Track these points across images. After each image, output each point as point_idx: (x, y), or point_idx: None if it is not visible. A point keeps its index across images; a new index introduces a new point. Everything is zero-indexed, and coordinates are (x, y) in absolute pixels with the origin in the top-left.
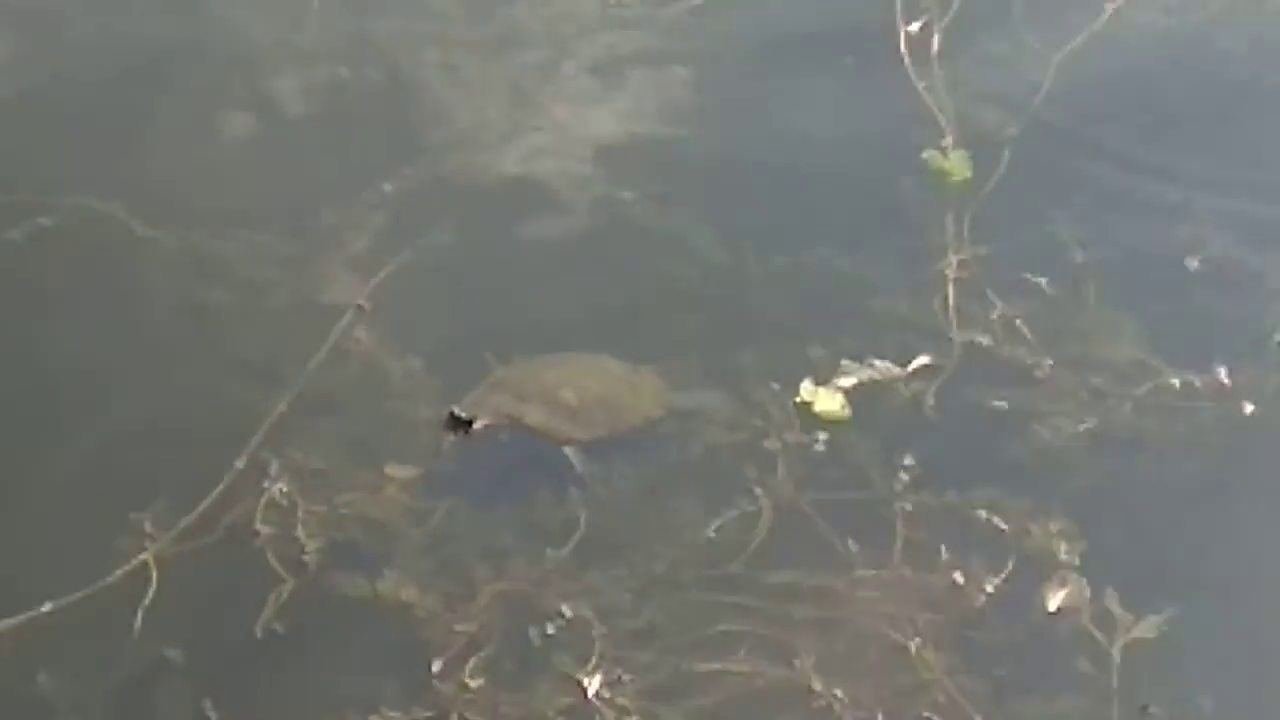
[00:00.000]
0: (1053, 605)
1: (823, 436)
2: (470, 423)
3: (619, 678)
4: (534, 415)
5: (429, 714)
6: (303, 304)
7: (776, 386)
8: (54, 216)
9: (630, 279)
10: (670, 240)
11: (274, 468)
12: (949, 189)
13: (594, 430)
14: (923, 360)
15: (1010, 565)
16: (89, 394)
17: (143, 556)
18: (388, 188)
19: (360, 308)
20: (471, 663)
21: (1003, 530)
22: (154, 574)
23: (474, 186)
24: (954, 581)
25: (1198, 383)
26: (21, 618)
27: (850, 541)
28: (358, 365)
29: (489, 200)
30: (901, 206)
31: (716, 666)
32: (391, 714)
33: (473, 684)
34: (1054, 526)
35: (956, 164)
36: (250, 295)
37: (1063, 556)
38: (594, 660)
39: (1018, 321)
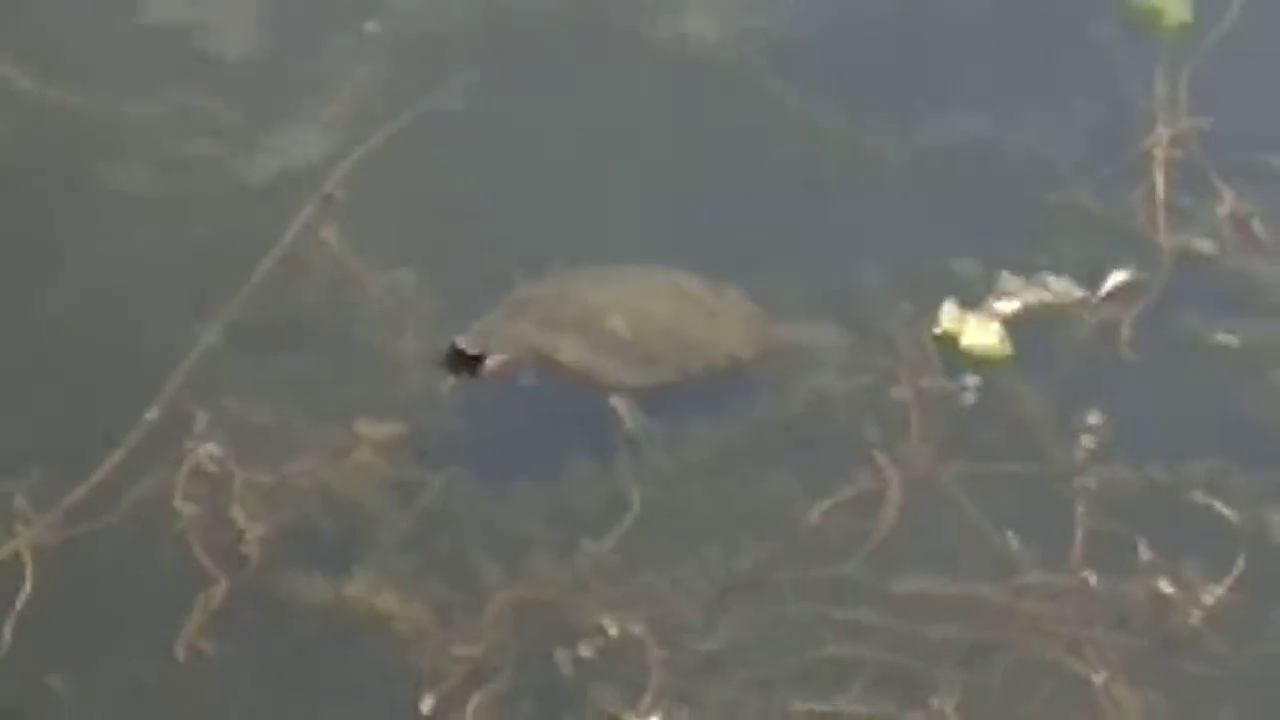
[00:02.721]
0: None
1: (973, 383)
2: (480, 360)
3: None
4: (570, 350)
5: None
6: (244, 191)
7: (909, 311)
8: None
9: (712, 160)
10: (771, 104)
11: (201, 422)
12: (1160, 35)
13: (655, 373)
14: (1118, 277)
15: (1238, 568)
16: None
17: (13, 545)
18: (371, 27)
19: (329, 197)
20: (476, 699)
21: (1228, 518)
22: (29, 569)
23: (496, 24)
24: (1157, 591)
25: None
26: None
27: (1011, 533)
28: (322, 278)
29: (516, 43)
30: (1092, 59)
31: (823, 707)
32: None
33: None
34: None
35: (1170, 0)
36: (172, 179)
37: None
38: (649, 696)
39: (1254, 222)
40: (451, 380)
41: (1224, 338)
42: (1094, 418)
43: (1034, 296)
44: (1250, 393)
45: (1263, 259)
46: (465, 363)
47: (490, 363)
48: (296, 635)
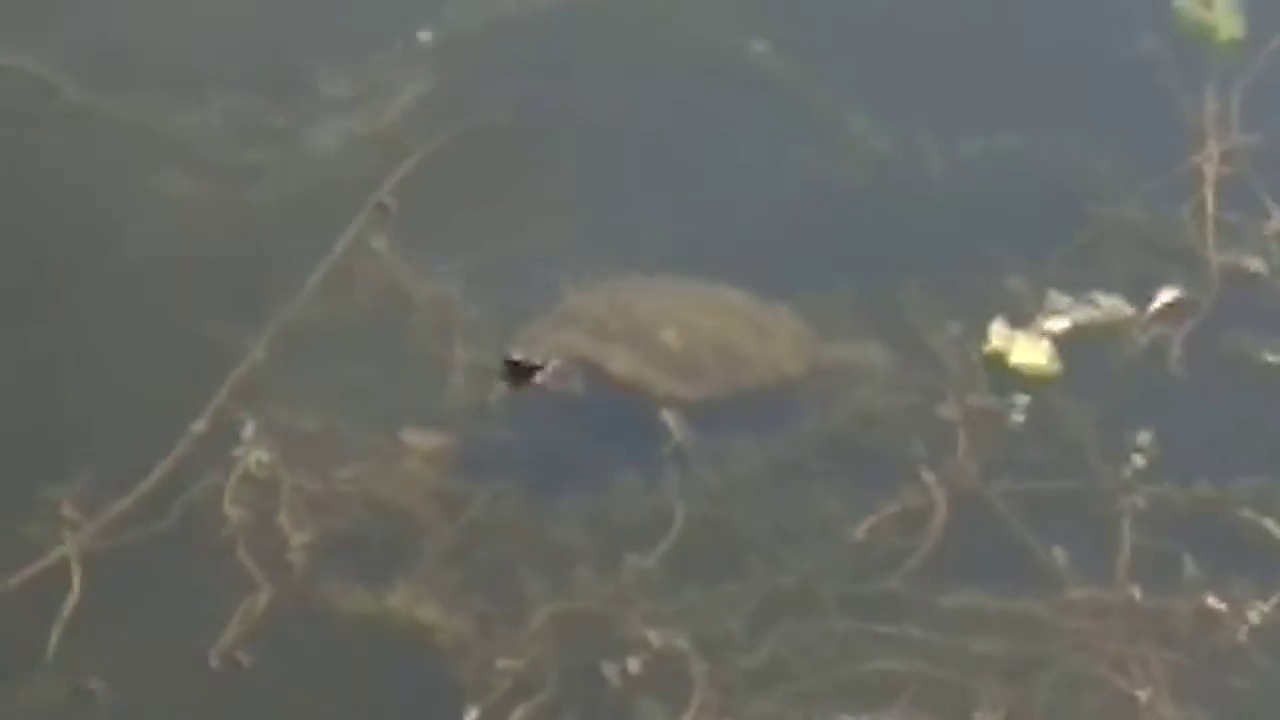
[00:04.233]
0: None
1: (1021, 401)
2: (535, 370)
3: None
4: (620, 362)
5: None
6: (295, 200)
7: (957, 330)
8: None
9: (760, 178)
10: (817, 121)
11: (249, 430)
12: (1211, 51)
13: (704, 387)
14: (1167, 295)
15: None
16: None
17: (60, 551)
18: (424, 36)
19: (380, 206)
20: (519, 713)
21: (1275, 536)
22: (76, 576)
23: (543, 37)
24: (1204, 607)
25: None
26: None
27: (1058, 549)
28: (372, 288)
29: (563, 58)
30: (1142, 75)
31: None
32: None
33: None
34: None
35: (1222, 16)
36: (221, 187)
37: None
38: (692, 711)
39: None
40: (503, 390)
41: (1273, 356)
42: (1143, 436)
43: (1083, 314)
44: None
45: None
46: (520, 373)
47: (545, 374)
48: (339, 645)
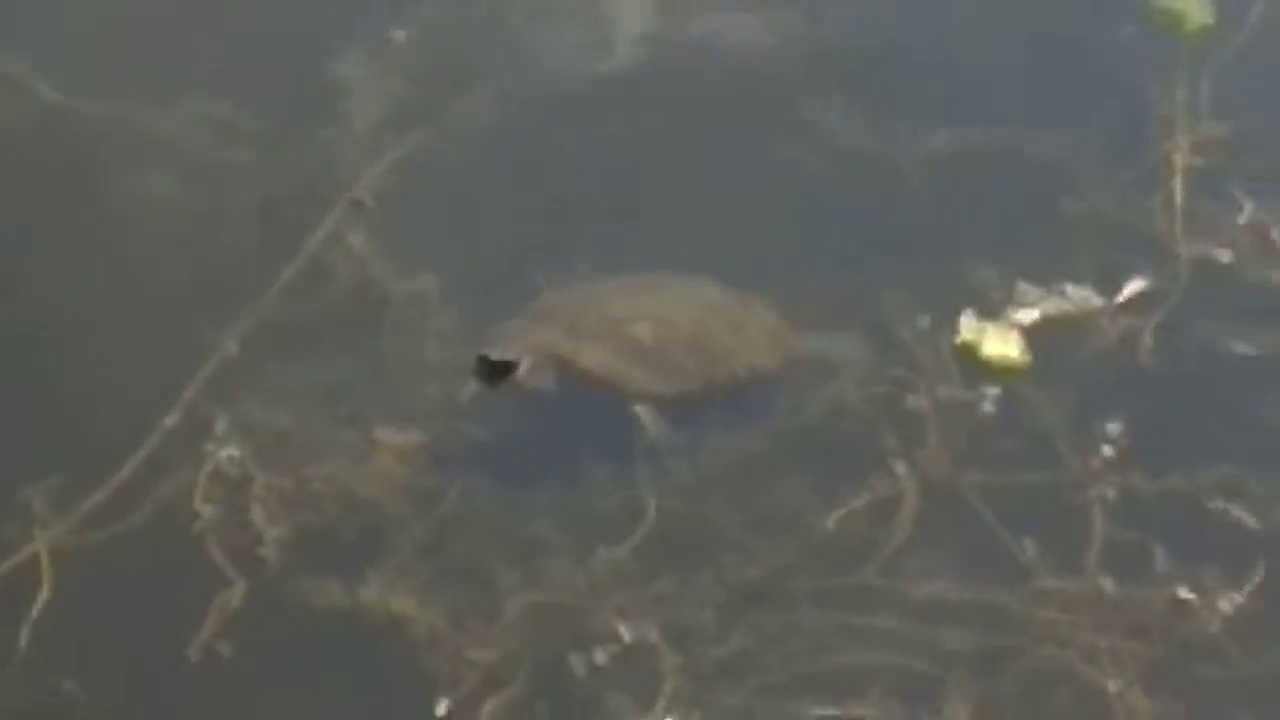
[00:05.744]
0: None
1: (991, 392)
2: (512, 368)
3: None
4: (592, 357)
5: None
6: (272, 198)
7: (927, 322)
8: None
9: (735, 171)
10: (790, 115)
11: (221, 425)
12: (1181, 40)
13: (677, 382)
14: (1136, 285)
15: (1258, 576)
16: None
17: (30, 549)
18: (400, 35)
19: (357, 203)
20: (491, 704)
21: (1246, 525)
22: (46, 573)
23: (522, 35)
24: (1175, 598)
25: None
26: None
27: (1027, 541)
28: (345, 284)
29: (543, 54)
30: (1112, 64)
31: (835, 712)
32: None
33: None
34: None
35: (1192, 4)
36: (198, 186)
37: None
38: (662, 702)
39: (1274, 232)
40: (477, 387)
41: (1241, 347)
42: (1112, 426)
43: (1053, 306)
44: (1268, 400)
45: None
46: (494, 370)
47: (520, 371)
48: (313, 638)
